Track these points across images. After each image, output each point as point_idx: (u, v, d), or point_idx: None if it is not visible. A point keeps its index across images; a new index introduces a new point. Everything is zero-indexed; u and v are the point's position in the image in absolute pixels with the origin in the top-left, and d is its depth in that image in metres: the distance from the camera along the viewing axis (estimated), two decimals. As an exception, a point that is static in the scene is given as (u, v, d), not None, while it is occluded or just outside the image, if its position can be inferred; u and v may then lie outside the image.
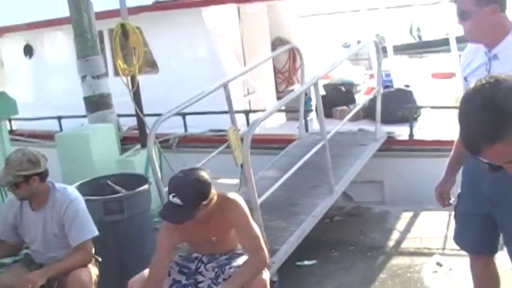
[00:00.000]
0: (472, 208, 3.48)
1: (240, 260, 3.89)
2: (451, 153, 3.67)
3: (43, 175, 4.25)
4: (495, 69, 3.17)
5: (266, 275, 3.86)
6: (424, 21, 27.85)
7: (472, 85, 2.00)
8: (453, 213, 3.70)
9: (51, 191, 4.33)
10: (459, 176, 3.65)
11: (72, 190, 4.48)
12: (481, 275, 3.69)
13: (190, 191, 3.55)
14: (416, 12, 22.99)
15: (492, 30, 3.17)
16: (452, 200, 3.70)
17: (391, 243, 6.01)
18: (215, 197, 3.69)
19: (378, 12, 9.87)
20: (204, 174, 3.64)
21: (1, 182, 4.21)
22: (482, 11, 3.11)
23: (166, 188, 5.35)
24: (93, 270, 4.38)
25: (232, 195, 3.87)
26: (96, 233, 4.38)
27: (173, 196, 3.53)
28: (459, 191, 3.60)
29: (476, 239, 3.55)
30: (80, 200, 4.41)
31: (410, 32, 32.52)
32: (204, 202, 3.57)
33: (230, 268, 3.85)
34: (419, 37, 30.74)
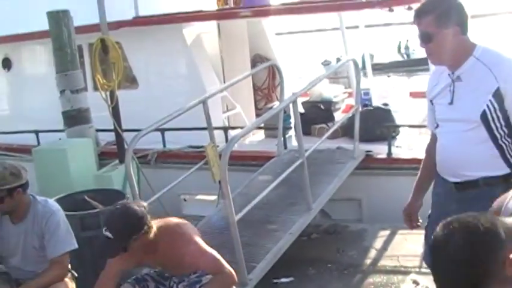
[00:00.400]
0: None
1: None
2: (418, 174, 3.75)
3: (25, 186, 4.22)
4: (458, 91, 3.26)
5: None
6: (413, 40, 28.04)
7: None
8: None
9: (32, 204, 4.29)
10: (428, 196, 3.68)
11: (53, 203, 4.44)
12: None
13: (120, 224, 3.55)
14: (404, 30, 23.19)
15: (454, 52, 3.21)
16: (421, 221, 3.74)
17: (368, 261, 6.02)
18: (153, 229, 3.66)
19: (358, 31, 9.92)
20: (137, 208, 3.63)
21: None
22: (443, 32, 3.16)
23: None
24: (70, 285, 4.34)
25: (181, 225, 3.88)
26: (76, 246, 4.36)
27: (105, 230, 3.54)
28: (429, 211, 3.62)
29: None
30: (61, 212, 4.38)
31: (399, 51, 32.75)
32: (135, 236, 3.54)
33: (201, 287, 3.84)
34: (408, 55, 30.99)
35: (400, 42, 32.88)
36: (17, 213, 4.26)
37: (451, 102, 3.29)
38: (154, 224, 3.70)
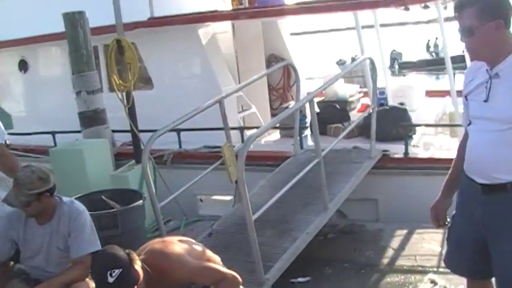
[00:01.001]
0: (465, 231, 3.42)
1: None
2: (448, 173, 3.63)
3: (52, 190, 4.25)
4: (495, 88, 3.14)
5: None
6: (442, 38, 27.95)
7: None
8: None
9: (58, 205, 4.32)
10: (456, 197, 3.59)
11: (79, 204, 4.47)
12: None
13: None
14: (434, 28, 22.98)
15: (495, 47, 3.11)
16: (449, 221, 3.65)
17: (385, 260, 5.99)
18: (140, 272, 3.55)
19: (379, 30, 9.86)
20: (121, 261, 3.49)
21: (13, 203, 4.16)
22: (485, 26, 3.06)
23: (160, 204, 5.41)
24: (92, 285, 4.35)
25: (167, 255, 3.76)
26: (99, 247, 4.32)
27: (111, 273, 3.41)
28: (454, 211, 3.55)
29: (469, 265, 3.49)
30: (87, 213, 4.41)
31: (427, 49, 32.60)
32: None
33: None
34: (437, 54, 30.84)
35: (428, 40, 32.73)
36: (43, 215, 4.28)
37: (486, 100, 3.17)
38: (140, 260, 3.61)
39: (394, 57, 33.59)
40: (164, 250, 3.79)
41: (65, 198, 4.40)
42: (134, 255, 3.57)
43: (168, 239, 4.08)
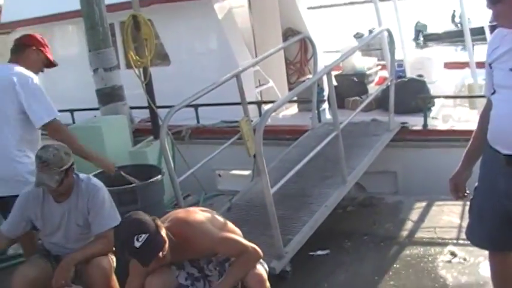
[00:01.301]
0: (488, 203, 3.37)
1: None
2: (468, 144, 3.58)
3: (73, 165, 4.28)
4: None
5: (261, 269, 3.86)
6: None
7: None
8: (468, 204, 3.63)
9: (75, 182, 4.33)
10: (476, 169, 3.53)
11: (96, 180, 4.47)
12: (499, 270, 3.59)
13: (144, 250, 3.47)
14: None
15: None
16: (468, 192, 3.61)
17: (404, 233, 5.98)
18: (166, 238, 3.59)
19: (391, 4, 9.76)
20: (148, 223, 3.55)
21: (50, 184, 4.11)
22: None
23: (179, 179, 5.42)
24: (112, 260, 4.40)
25: (191, 223, 3.81)
26: (120, 219, 4.28)
27: (138, 238, 3.45)
28: (476, 184, 3.48)
29: (492, 236, 3.45)
30: (105, 189, 4.42)
31: (453, 20, 32.14)
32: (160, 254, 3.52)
33: (230, 265, 3.89)
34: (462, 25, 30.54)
35: (454, 11, 32.28)
36: (66, 191, 4.30)
37: None
38: (165, 227, 3.66)
39: (419, 29, 33.18)
40: (188, 219, 3.83)
41: (81, 175, 4.40)
42: (159, 222, 3.61)
43: (191, 209, 4.13)
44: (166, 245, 3.55)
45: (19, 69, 4.87)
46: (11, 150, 4.73)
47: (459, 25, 30.50)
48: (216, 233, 3.79)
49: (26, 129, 4.81)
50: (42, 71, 5.23)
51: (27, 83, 4.78)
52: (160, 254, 3.52)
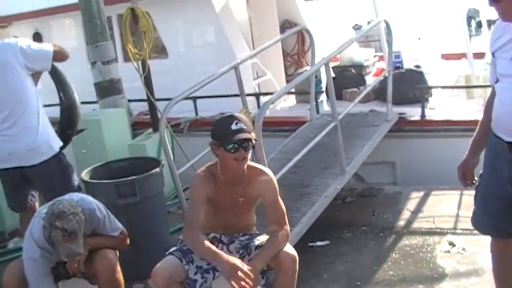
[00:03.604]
0: (492, 189, 3.39)
1: (262, 239, 3.94)
2: (475, 132, 3.60)
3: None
4: None
5: (293, 249, 3.88)
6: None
7: None
8: (471, 195, 3.64)
9: None
10: (482, 156, 3.56)
11: (86, 200, 4.31)
12: (500, 255, 3.61)
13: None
14: None
15: None
16: (476, 179, 3.62)
17: (403, 223, 6.00)
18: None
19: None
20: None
21: (80, 252, 4.03)
22: None
23: (178, 171, 5.42)
24: (116, 252, 4.43)
25: (267, 170, 3.97)
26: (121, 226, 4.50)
27: (236, 123, 3.69)
28: (481, 171, 3.52)
29: (495, 222, 3.47)
30: (96, 205, 4.32)
31: None
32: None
33: (256, 248, 3.90)
34: None
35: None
36: None
37: None
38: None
39: (471, 16, 32.55)
40: (267, 172, 3.96)
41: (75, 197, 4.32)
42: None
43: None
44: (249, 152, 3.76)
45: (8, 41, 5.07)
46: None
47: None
48: (278, 193, 3.90)
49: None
50: None
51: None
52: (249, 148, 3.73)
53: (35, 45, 5.11)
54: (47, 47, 5.13)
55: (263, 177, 3.87)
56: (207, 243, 3.75)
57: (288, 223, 3.90)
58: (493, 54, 3.30)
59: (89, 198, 4.40)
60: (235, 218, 3.99)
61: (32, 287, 4.12)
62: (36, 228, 4.12)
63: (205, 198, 3.84)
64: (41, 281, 4.11)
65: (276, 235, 3.81)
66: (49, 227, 3.91)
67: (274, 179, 3.93)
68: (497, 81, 3.28)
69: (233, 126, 3.65)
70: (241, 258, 3.87)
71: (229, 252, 3.94)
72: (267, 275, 3.91)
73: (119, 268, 4.31)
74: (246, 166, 3.77)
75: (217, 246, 3.93)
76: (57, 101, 5.79)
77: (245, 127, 3.68)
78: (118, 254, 4.42)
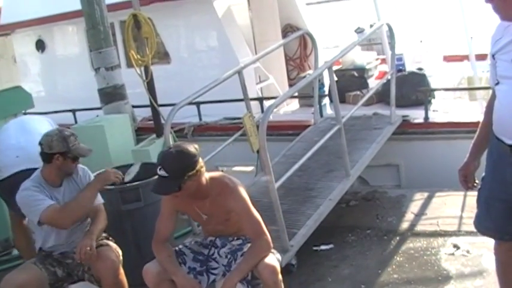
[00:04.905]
0: (495, 192, 3.37)
1: None
2: (476, 135, 3.58)
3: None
4: None
5: (274, 259, 3.84)
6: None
7: None
8: (475, 196, 3.60)
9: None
10: (484, 159, 3.52)
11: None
12: (504, 258, 3.59)
13: (174, 162, 3.62)
14: None
15: None
16: (477, 182, 3.60)
17: (407, 226, 5.99)
18: (205, 174, 3.76)
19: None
20: (189, 147, 3.70)
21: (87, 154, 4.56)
22: None
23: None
24: (119, 252, 4.47)
25: (234, 181, 3.92)
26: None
27: (160, 169, 3.62)
28: (483, 174, 3.49)
29: (498, 226, 3.44)
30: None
31: None
32: (189, 173, 3.62)
33: (242, 255, 3.88)
34: None
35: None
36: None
37: None
38: (207, 173, 3.81)
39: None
40: (233, 180, 3.93)
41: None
42: (202, 166, 3.75)
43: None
44: (181, 193, 3.67)
45: None
46: None
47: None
48: (248, 204, 3.85)
49: None
50: None
51: None
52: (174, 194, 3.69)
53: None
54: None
55: (227, 190, 3.83)
56: (167, 256, 3.87)
57: (266, 232, 3.83)
58: (493, 56, 3.27)
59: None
60: (219, 226, 4.00)
61: (30, 208, 4.28)
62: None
63: (173, 210, 3.93)
64: (38, 198, 4.26)
65: (253, 246, 3.80)
66: (63, 141, 4.43)
67: (241, 189, 3.88)
68: (497, 83, 3.25)
69: (159, 171, 3.65)
70: (229, 263, 3.93)
71: (220, 256, 4.00)
72: (253, 283, 3.85)
73: (121, 270, 4.34)
74: (205, 181, 3.77)
75: (210, 250, 4.02)
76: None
77: (166, 180, 3.62)
78: (121, 257, 4.44)
